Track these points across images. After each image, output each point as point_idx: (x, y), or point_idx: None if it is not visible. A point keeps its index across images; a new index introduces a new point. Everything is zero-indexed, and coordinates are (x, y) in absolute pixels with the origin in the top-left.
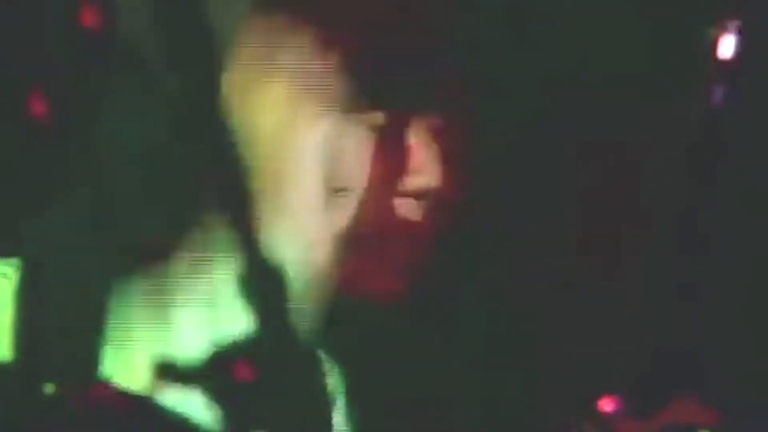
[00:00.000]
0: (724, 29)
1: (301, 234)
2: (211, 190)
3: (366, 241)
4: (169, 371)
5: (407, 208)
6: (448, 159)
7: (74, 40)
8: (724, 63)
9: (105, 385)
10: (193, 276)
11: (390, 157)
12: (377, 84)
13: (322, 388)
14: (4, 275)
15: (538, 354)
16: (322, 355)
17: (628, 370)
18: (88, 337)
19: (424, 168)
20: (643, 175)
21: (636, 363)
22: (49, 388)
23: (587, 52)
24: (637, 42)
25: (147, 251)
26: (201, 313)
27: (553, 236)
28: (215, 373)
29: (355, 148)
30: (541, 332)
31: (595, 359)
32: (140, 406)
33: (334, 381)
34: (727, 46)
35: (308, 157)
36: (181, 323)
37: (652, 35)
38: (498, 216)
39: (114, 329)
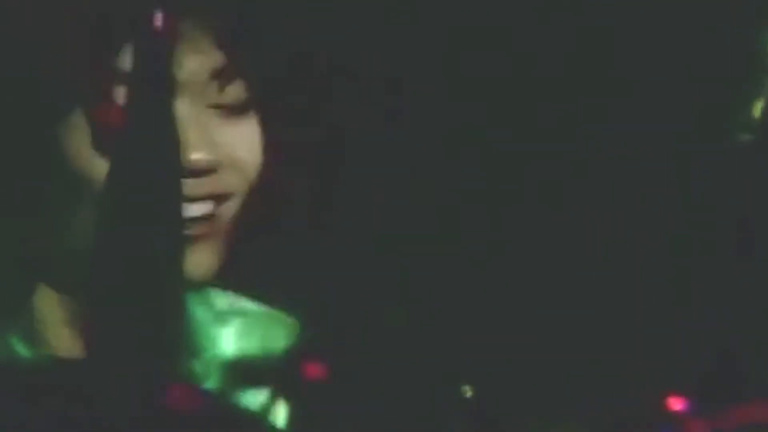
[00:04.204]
0: None
1: None
2: None
3: None
4: (243, 371)
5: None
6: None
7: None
8: None
9: (181, 387)
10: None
11: None
12: None
13: None
14: None
15: (608, 352)
16: None
17: (699, 369)
18: (163, 337)
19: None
20: (713, 178)
21: (706, 361)
22: (124, 390)
23: (659, 57)
24: (711, 44)
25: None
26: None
27: (622, 236)
28: (287, 372)
29: None
30: (612, 330)
31: (665, 357)
32: (216, 407)
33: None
34: None
35: None
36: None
37: (731, 39)
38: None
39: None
